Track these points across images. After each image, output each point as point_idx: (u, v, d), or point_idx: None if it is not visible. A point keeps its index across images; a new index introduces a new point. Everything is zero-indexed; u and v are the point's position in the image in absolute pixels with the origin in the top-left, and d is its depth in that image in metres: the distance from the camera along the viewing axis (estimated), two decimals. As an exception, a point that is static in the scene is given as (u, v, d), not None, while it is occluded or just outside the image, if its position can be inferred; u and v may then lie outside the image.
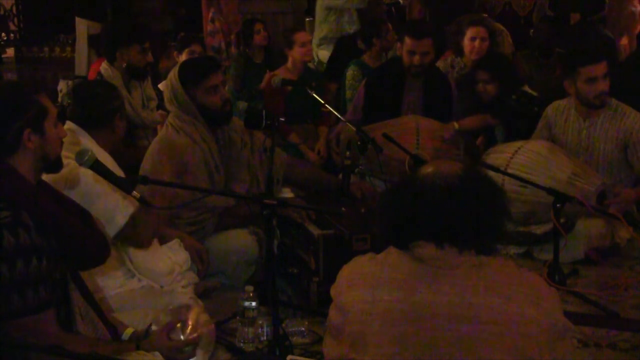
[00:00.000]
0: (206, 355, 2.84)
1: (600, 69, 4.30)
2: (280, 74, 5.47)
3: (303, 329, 3.25)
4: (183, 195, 3.41)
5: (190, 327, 2.42)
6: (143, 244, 3.19)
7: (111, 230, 3.04)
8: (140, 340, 2.44)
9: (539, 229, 4.20)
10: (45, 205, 2.25)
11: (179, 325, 2.41)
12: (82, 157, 2.67)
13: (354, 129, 4.23)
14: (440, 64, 5.76)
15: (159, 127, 4.71)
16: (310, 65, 6.11)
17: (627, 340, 3.24)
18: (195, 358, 2.46)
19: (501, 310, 1.80)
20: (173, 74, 3.83)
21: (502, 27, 6.56)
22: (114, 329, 2.51)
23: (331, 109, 4.41)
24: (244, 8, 7.97)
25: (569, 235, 3.97)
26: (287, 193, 3.96)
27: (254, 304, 3.13)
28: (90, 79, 5.21)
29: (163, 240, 3.43)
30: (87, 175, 2.91)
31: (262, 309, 3.20)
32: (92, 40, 7.16)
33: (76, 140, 3.06)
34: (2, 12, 10.15)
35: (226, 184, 3.86)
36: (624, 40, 7.37)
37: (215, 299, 3.63)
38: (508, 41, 6.51)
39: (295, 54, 5.71)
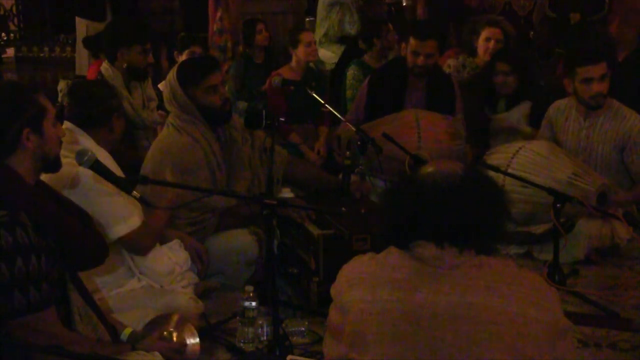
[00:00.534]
0: None
1: (597, 70, 4.29)
2: (284, 73, 5.48)
3: (303, 329, 3.25)
4: (184, 195, 3.41)
5: (175, 334, 2.47)
6: (141, 253, 3.19)
7: (111, 235, 3.04)
8: (138, 340, 2.46)
9: (539, 229, 4.20)
10: (43, 205, 2.26)
11: (165, 333, 2.45)
12: (82, 157, 2.67)
13: (353, 129, 4.23)
14: (451, 62, 5.77)
15: (159, 127, 4.71)
16: (311, 64, 6.12)
17: (627, 340, 3.24)
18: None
19: (501, 310, 1.80)
20: (172, 74, 3.82)
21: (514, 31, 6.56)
22: (113, 329, 2.51)
23: (331, 109, 4.41)
24: (244, 8, 7.98)
25: (569, 235, 3.97)
26: (287, 193, 3.96)
27: (254, 304, 3.13)
28: (91, 78, 5.21)
29: (163, 241, 3.43)
30: (87, 175, 2.91)
31: (262, 309, 3.20)
32: (86, 42, 7.15)
33: (75, 140, 3.05)
34: (2, 12, 10.16)
35: (228, 182, 3.86)
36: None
37: (215, 299, 3.64)
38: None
39: (300, 53, 5.72)
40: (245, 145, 3.95)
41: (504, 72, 5.03)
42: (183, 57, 5.32)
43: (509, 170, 4.12)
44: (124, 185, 2.74)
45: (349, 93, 5.85)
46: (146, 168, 3.72)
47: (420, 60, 4.83)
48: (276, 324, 2.93)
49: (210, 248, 3.66)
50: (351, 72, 5.91)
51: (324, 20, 7.49)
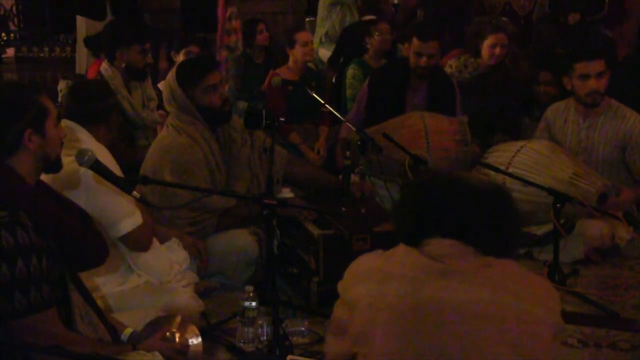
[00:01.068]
0: None
1: (594, 66, 4.28)
2: (282, 73, 5.47)
3: (303, 329, 3.25)
4: (184, 196, 3.41)
5: (178, 334, 2.48)
6: (143, 249, 3.20)
7: (117, 232, 3.05)
8: (138, 341, 2.46)
9: (539, 230, 4.20)
10: (43, 205, 2.26)
11: (168, 334, 2.46)
12: (82, 157, 2.67)
13: (354, 129, 4.23)
14: (453, 62, 5.77)
15: (159, 127, 4.71)
16: (310, 64, 6.11)
17: (627, 340, 3.24)
18: None
19: (511, 307, 1.81)
20: (171, 74, 3.82)
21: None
22: (114, 329, 2.51)
23: (331, 109, 4.41)
24: (244, 8, 7.98)
25: (569, 235, 3.97)
26: (287, 193, 3.96)
27: (254, 304, 3.13)
28: (90, 78, 5.21)
29: (161, 240, 3.43)
30: (87, 175, 2.91)
31: (262, 309, 3.20)
32: (87, 42, 7.15)
33: (75, 137, 3.06)
34: (2, 12, 10.16)
35: (227, 182, 3.86)
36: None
37: (215, 299, 3.64)
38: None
39: (296, 53, 5.71)
40: (245, 146, 3.95)
41: (547, 82, 5.05)
42: (180, 57, 5.32)
43: (510, 169, 4.12)
44: (124, 185, 2.74)
45: (349, 92, 5.84)
46: (146, 168, 3.72)
47: (423, 61, 4.85)
48: (276, 324, 2.93)
49: (210, 248, 3.66)
50: (351, 71, 5.91)
51: (325, 20, 7.49)
